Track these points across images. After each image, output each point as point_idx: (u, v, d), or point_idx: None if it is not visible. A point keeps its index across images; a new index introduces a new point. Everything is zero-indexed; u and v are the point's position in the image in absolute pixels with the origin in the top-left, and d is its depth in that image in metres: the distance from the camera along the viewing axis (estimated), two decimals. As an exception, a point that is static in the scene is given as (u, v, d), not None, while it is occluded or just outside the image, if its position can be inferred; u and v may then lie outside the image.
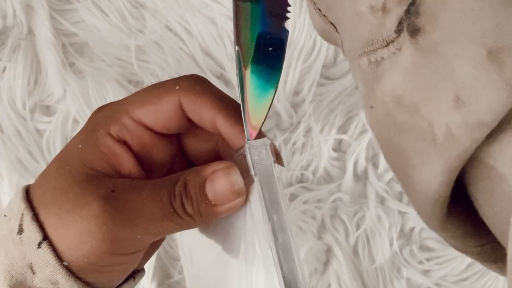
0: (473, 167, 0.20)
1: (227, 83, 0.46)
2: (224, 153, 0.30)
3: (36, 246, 0.26)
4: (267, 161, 0.27)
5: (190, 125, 0.29)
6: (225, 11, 0.46)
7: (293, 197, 0.44)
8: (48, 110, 0.46)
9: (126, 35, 0.46)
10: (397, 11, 0.21)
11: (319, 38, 0.46)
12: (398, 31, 0.21)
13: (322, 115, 0.45)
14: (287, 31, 0.27)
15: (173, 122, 0.28)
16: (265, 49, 0.27)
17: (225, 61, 0.46)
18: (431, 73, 0.20)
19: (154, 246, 0.31)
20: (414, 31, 0.20)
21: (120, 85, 0.45)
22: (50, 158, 0.45)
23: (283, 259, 0.26)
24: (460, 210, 0.22)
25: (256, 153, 0.27)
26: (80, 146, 0.28)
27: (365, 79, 0.22)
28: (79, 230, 0.25)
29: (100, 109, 0.29)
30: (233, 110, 0.28)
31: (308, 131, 0.45)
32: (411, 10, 0.21)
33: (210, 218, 0.27)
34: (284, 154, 0.45)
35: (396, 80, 0.21)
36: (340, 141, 0.45)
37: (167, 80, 0.29)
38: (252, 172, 0.27)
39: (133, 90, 0.46)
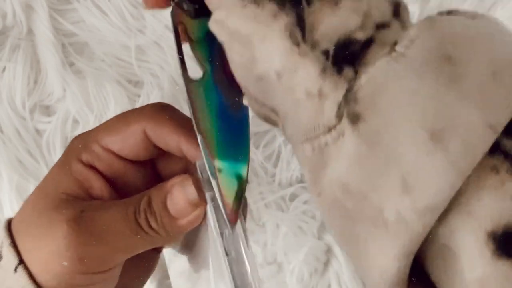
0: (428, 246, 0.19)
1: (227, 83, 0.46)
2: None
3: (13, 270, 0.26)
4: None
5: (160, 151, 0.30)
6: (225, 11, 0.46)
7: (293, 197, 0.44)
8: (47, 110, 0.46)
9: (126, 35, 0.46)
10: (334, 97, 0.20)
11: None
12: (339, 116, 0.20)
13: (322, 115, 0.45)
14: (247, 107, 0.26)
15: (140, 150, 0.29)
16: (228, 131, 0.27)
17: (225, 61, 0.46)
18: (376, 160, 0.19)
19: (146, 271, 0.32)
20: (354, 118, 0.20)
21: (120, 85, 0.45)
22: (50, 158, 0.45)
23: (235, 273, 0.27)
24: (419, 284, 0.21)
25: (207, 170, 0.27)
26: (55, 175, 0.29)
27: (310, 166, 0.22)
28: (49, 251, 0.26)
29: (76, 138, 0.30)
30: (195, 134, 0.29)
31: (308, 131, 0.45)
32: (349, 96, 0.20)
33: (175, 233, 0.28)
34: (284, 154, 0.45)
35: (341, 168, 0.20)
36: (340, 141, 0.45)
37: (133, 109, 0.31)
38: (204, 189, 0.28)
39: (133, 90, 0.46)
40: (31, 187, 0.44)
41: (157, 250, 0.33)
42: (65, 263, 0.26)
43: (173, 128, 0.29)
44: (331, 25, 0.21)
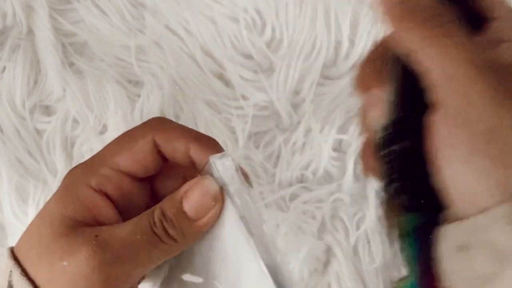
0: None
1: (227, 83, 0.46)
2: None
3: None
4: (231, 168, 0.29)
5: (162, 166, 0.31)
6: (225, 11, 0.46)
7: (293, 197, 0.44)
8: (47, 110, 0.46)
9: (126, 35, 0.46)
10: None
11: (319, 38, 0.46)
12: None
13: (322, 115, 0.45)
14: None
15: (149, 163, 0.30)
16: None
17: (225, 61, 0.46)
18: None
19: None
20: None
21: (120, 85, 0.45)
22: (49, 158, 0.45)
23: (261, 249, 0.28)
24: None
25: (220, 163, 0.29)
26: (59, 202, 0.29)
27: None
28: (72, 275, 0.26)
29: (74, 168, 0.31)
30: (204, 137, 0.30)
31: (308, 131, 0.45)
32: None
33: (194, 236, 0.29)
34: (284, 154, 0.45)
35: None
36: (340, 141, 0.45)
37: (136, 126, 0.31)
38: (217, 176, 0.29)
39: (133, 90, 0.46)
40: (31, 187, 0.44)
41: None
42: (89, 285, 0.26)
43: (181, 133, 0.30)
44: None
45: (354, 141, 0.44)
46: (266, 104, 0.46)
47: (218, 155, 0.29)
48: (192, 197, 0.28)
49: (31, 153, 0.45)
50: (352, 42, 0.47)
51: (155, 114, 0.44)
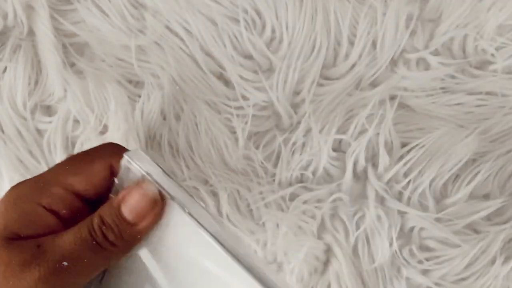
0: None
1: (227, 83, 0.46)
2: None
3: None
4: (145, 157, 0.30)
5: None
6: (225, 11, 0.46)
7: (293, 197, 0.44)
8: (48, 110, 0.46)
9: (126, 35, 0.46)
10: None
11: (319, 38, 0.46)
12: None
13: (322, 115, 0.45)
14: None
15: (103, 186, 0.31)
16: None
17: (225, 61, 0.46)
18: None
19: None
20: None
21: (120, 85, 0.46)
22: (50, 158, 0.45)
23: (196, 217, 0.29)
24: None
25: (133, 154, 0.30)
26: (1, 216, 0.29)
27: None
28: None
29: (21, 184, 0.30)
30: None
31: (308, 131, 0.45)
32: None
33: (134, 240, 0.29)
34: (284, 154, 0.45)
35: None
36: (339, 141, 0.45)
37: (91, 148, 0.32)
38: (136, 168, 0.30)
39: (133, 90, 0.46)
40: (31, 187, 0.44)
41: None
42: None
43: None
44: None
45: (354, 141, 0.44)
46: (266, 104, 0.46)
47: (130, 151, 0.30)
48: (130, 201, 0.29)
49: (32, 153, 0.45)
50: (351, 42, 0.47)
51: (156, 114, 0.45)
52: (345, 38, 0.46)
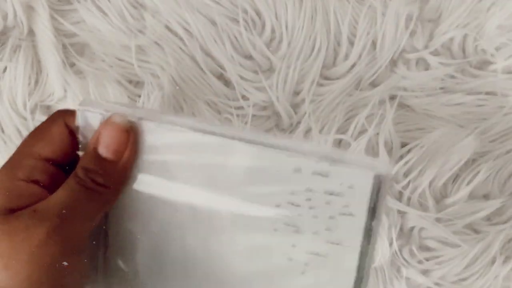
0: None
1: (227, 83, 0.46)
2: None
3: None
4: (96, 101, 0.31)
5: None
6: (225, 11, 0.46)
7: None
8: (48, 110, 0.46)
9: (126, 35, 0.46)
10: None
11: (319, 38, 0.46)
12: None
13: (322, 115, 0.45)
14: None
15: (67, 145, 0.31)
16: None
17: (225, 61, 0.46)
18: None
19: None
20: None
21: (121, 85, 0.46)
22: (50, 158, 0.45)
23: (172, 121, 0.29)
24: None
25: (86, 104, 0.30)
26: None
27: None
28: (28, 249, 0.27)
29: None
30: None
31: (308, 131, 0.45)
32: None
33: (122, 177, 0.30)
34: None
35: None
36: (339, 141, 0.45)
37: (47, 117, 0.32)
38: (102, 112, 0.30)
39: (133, 90, 0.46)
40: (31, 186, 0.44)
41: None
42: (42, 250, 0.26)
43: None
44: None
45: (354, 141, 0.44)
46: (266, 104, 0.46)
47: (80, 102, 0.30)
48: (104, 139, 0.29)
49: (32, 153, 0.45)
50: (351, 42, 0.47)
51: (155, 114, 0.45)
52: (345, 38, 0.46)
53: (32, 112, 0.45)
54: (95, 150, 0.29)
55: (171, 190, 0.30)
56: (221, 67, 0.46)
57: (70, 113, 0.31)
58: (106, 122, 0.29)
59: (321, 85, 0.46)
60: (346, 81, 0.46)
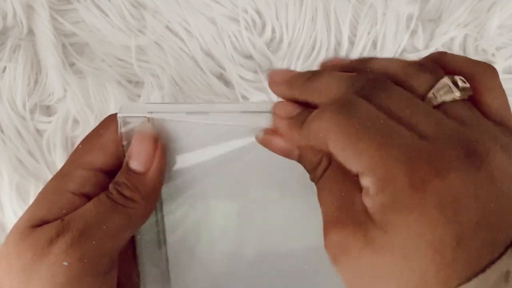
0: None
1: (227, 83, 0.46)
2: None
3: None
4: (138, 105, 0.29)
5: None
6: (225, 11, 0.46)
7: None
8: (48, 110, 0.46)
9: (126, 35, 0.46)
10: None
11: (319, 38, 0.46)
12: None
13: (322, 115, 0.45)
14: None
15: (120, 152, 0.29)
16: None
17: (225, 61, 0.46)
18: None
19: None
20: None
21: (120, 85, 0.46)
22: (50, 158, 0.45)
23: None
24: None
25: (126, 109, 0.29)
26: (28, 212, 0.28)
27: None
28: (44, 273, 0.25)
29: (49, 181, 0.30)
30: None
31: (308, 131, 0.45)
32: None
33: (151, 191, 0.29)
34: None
35: None
36: (340, 141, 0.45)
37: (95, 128, 0.31)
38: (140, 116, 0.29)
39: (133, 90, 0.46)
40: (31, 187, 0.44)
41: None
42: (66, 269, 0.25)
43: None
44: None
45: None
46: (266, 104, 0.46)
47: (121, 108, 0.29)
48: (133, 152, 0.28)
49: (32, 153, 0.45)
50: (352, 42, 0.47)
51: (155, 114, 0.45)
52: (345, 38, 0.46)
53: (32, 112, 0.45)
54: (127, 163, 0.28)
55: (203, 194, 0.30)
56: (221, 67, 0.46)
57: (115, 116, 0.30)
58: (136, 133, 0.28)
59: (322, 85, 0.46)
60: (346, 81, 0.46)
